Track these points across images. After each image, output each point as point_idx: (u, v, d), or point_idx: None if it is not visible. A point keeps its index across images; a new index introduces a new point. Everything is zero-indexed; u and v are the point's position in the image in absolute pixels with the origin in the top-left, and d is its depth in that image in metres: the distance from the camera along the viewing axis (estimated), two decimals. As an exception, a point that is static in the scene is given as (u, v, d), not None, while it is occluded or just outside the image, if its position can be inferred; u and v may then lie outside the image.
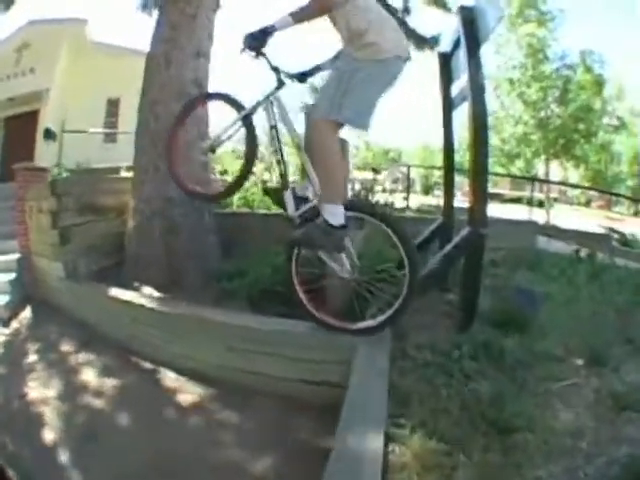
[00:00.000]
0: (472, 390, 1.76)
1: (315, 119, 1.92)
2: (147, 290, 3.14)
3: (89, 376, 2.59)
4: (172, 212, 3.31)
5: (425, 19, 7.13)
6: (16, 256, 4.18)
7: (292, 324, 2.21)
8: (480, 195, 2.24)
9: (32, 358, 2.96)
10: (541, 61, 13.13)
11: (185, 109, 2.51)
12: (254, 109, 2.10)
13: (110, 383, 2.49)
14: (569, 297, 2.84)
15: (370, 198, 5.41)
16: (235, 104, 2.17)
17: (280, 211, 2.15)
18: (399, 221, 2.07)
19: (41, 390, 2.53)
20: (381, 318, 1.98)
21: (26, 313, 3.74)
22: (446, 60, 2.99)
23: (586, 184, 18.78)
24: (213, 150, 2.38)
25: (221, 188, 2.85)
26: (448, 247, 2.37)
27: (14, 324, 3.59)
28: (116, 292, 2.96)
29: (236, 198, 4.92)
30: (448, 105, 2.96)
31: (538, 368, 1.98)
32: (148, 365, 2.62)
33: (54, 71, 7.92)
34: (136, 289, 3.13)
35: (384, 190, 8.48)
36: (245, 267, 3.12)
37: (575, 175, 20.25)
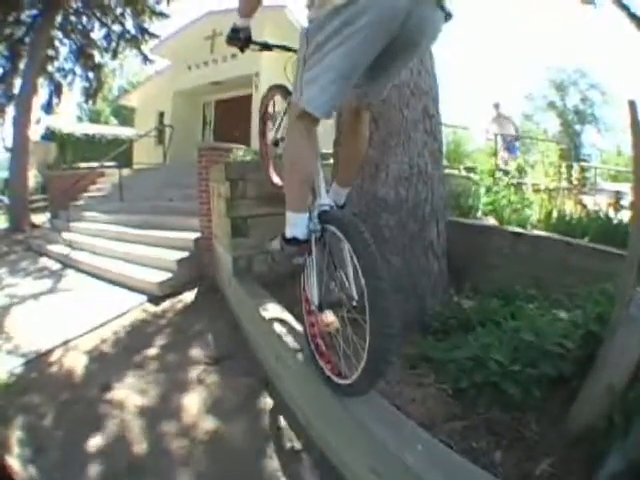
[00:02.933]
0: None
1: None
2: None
3: (196, 407, 2.03)
4: (379, 218, 2.30)
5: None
6: (195, 235, 4.16)
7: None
8: None
9: (151, 352, 2.63)
10: None
11: (264, 102, 2.45)
12: None
13: (217, 430, 1.85)
14: None
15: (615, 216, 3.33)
16: (287, 92, 1.99)
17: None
18: (364, 236, 1.32)
19: (131, 393, 2.14)
20: (352, 378, 1.36)
21: (187, 296, 3.58)
22: None
23: None
24: (277, 143, 2.27)
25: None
26: None
27: (166, 304, 3.44)
28: (271, 312, 2.29)
29: (483, 201, 3.61)
30: None
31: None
32: (281, 422, 1.86)
33: (260, 56, 8.01)
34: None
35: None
36: (472, 319, 2.08)
37: None
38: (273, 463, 1.62)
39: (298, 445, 1.70)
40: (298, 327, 2.07)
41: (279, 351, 2.08)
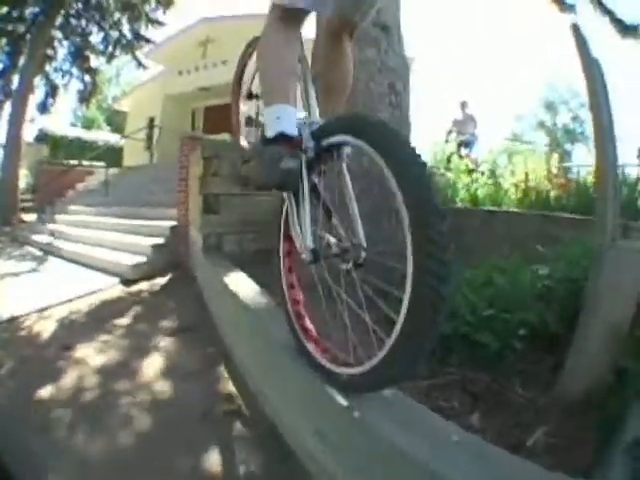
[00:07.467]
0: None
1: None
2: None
3: (152, 371, 2.02)
4: None
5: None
6: (172, 223, 4.15)
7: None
8: None
9: (118, 322, 2.66)
10: None
11: (242, 59, 2.13)
12: None
13: (167, 392, 1.83)
14: None
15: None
16: None
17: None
18: (402, 143, 0.89)
19: (91, 353, 2.18)
20: (367, 366, 0.92)
21: (160, 280, 3.59)
22: None
23: None
24: (250, 96, 2.00)
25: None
26: None
27: (139, 286, 3.45)
28: (232, 283, 2.25)
29: (462, 192, 3.76)
30: None
31: None
32: (232, 389, 1.82)
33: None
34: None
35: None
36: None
37: None
38: (214, 427, 1.56)
39: (245, 411, 1.65)
40: (258, 298, 2.02)
41: (237, 321, 2.05)
